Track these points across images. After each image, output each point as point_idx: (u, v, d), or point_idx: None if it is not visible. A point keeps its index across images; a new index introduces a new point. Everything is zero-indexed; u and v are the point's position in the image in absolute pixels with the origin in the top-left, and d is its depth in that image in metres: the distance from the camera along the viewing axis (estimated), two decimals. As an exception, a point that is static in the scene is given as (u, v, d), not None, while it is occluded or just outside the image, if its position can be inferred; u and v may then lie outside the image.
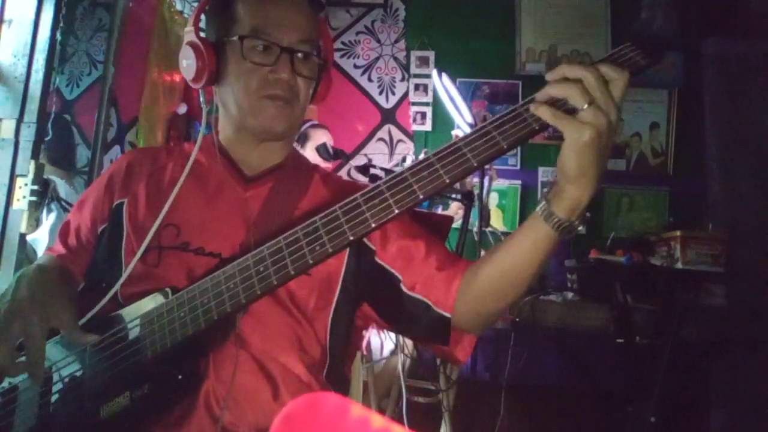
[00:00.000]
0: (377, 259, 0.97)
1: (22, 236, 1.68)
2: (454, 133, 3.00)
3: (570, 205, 0.75)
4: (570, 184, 0.73)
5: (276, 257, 0.77)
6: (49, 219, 2.18)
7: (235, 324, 0.88)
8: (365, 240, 0.96)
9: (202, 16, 1.01)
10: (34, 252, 2.05)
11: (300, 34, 0.95)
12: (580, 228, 0.77)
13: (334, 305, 0.96)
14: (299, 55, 0.95)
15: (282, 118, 0.97)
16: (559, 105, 0.71)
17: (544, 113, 0.70)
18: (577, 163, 0.71)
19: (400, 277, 0.95)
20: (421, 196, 0.72)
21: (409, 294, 0.94)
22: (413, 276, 0.94)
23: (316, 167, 1.10)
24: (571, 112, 0.70)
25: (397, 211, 0.73)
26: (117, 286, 0.91)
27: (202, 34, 1.00)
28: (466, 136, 0.74)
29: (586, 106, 0.68)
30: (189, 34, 0.97)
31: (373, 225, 0.74)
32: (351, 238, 0.74)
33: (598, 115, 0.68)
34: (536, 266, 0.82)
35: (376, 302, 0.99)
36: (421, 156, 0.76)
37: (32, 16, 1.73)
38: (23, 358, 0.83)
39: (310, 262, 0.76)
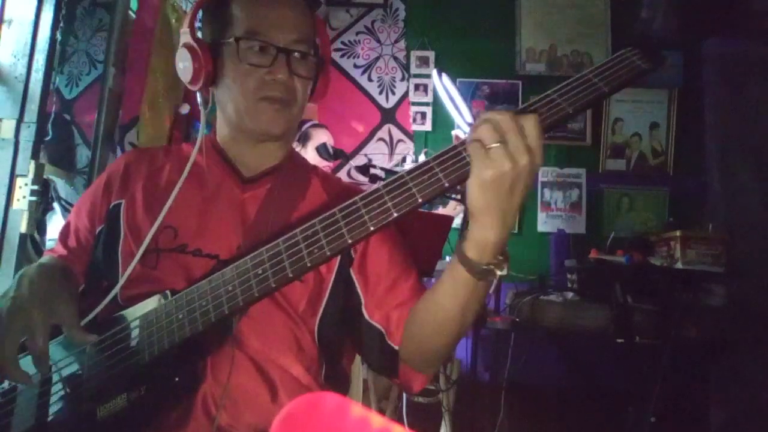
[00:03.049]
0: (350, 271, 0.97)
1: (23, 236, 1.68)
2: (454, 133, 3.01)
3: (476, 244, 0.73)
4: (473, 221, 0.72)
5: (274, 260, 0.77)
6: (55, 219, 2.17)
7: (233, 326, 0.88)
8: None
9: (199, 16, 1.01)
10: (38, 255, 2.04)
11: (296, 34, 0.95)
12: (501, 273, 0.75)
13: (320, 312, 0.95)
14: (296, 55, 0.95)
15: (280, 120, 0.96)
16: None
17: (468, 144, 0.71)
18: (479, 199, 0.70)
19: (363, 299, 0.95)
20: (420, 200, 0.72)
21: (368, 320, 0.94)
22: (375, 304, 0.94)
23: (315, 168, 1.09)
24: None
25: (395, 214, 0.73)
26: (116, 290, 0.91)
27: (199, 35, 0.99)
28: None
29: (494, 144, 0.68)
30: (185, 36, 0.97)
31: (372, 228, 0.73)
32: (349, 241, 0.74)
33: (505, 155, 0.67)
34: (461, 309, 0.80)
35: (343, 314, 0.99)
36: (422, 156, 0.76)
37: (32, 16, 1.73)
38: (25, 359, 0.83)
39: (309, 265, 0.75)
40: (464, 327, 0.84)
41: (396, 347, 0.91)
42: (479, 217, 0.71)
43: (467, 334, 2.47)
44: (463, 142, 0.73)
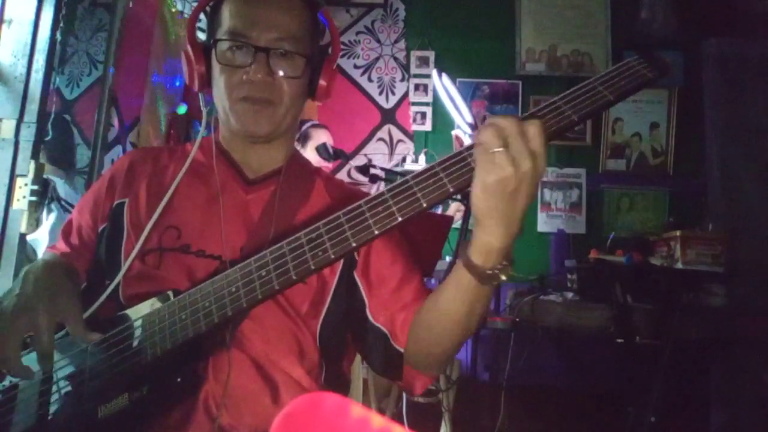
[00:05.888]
0: (355, 274, 0.97)
1: (22, 236, 1.67)
2: (454, 133, 3.01)
3: (480, 249, 0.73)
4: (478, 226, 0.72)
5: (278, 262, 0.77)
6: (49, 219, 2.17)
7: (236, 327, 0.88)
8: None
9: (203, 19, 1.01)
10: (34, 252, 2.05)
11: (278, 32, 0.94)
12: (504, 278, 0.75)
13: (323, 314, 0.96)
14: (279, 53, 0.94)
15: (262, 120, 0.96)
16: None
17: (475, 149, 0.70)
18: (483, 203, 0.69)
19: (367, 301, 0.95)
20: (425, 205, 0.72)
21: (373, 322, 0.94)
22: (379, 306, 0.94)
23: (318, 171, 1.09)
24: None
25: (400, 219, 0.73)
26: (112, 286, 0.91)
27: (203, 37, 1.00)
28: (472, 145, 0.73)
29: (497, 149, 0.67)
30: (185, 39, 0.98)
31: (376, 232, 0.73)
32: (354, 245, 0.74)
33: (508, 159, 0.67)
34: (466, 313, 0.80)
35: (346, 317, 0.99)
36: (421, 156, 0.76)
37: (32, 16, 1.72)
38: (28, 355, 0.84)
39: (312, 267, 0.75)
40: (469, 330, 0.84)
41: (401, 350, 0.91)
42: (483, 222, 0.71)
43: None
44: (468, 148, 0.73)
